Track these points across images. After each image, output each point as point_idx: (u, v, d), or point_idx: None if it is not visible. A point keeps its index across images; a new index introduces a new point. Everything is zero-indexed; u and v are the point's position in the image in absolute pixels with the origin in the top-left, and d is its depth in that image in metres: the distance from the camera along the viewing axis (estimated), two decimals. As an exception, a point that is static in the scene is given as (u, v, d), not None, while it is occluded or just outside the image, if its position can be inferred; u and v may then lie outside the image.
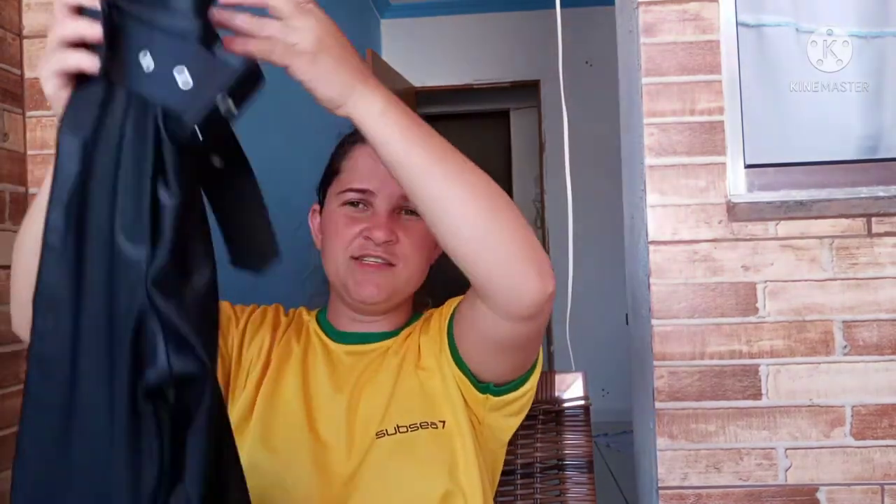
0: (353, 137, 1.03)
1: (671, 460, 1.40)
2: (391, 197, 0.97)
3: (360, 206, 0.99)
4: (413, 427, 0.92)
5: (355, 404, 0.95)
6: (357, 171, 1.00)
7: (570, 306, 1.56)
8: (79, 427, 0.51)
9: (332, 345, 1.02)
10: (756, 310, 1.40)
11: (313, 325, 1.05)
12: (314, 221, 1.07)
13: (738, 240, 1.41)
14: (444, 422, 0.92)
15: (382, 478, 0.90)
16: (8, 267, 0.81)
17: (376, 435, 0.92)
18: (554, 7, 1.57)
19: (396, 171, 0.73)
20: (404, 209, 0.99)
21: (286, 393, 0.96)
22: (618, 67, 1.65)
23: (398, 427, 0.92)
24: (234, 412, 0.94)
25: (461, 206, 0.74)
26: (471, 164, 0.76)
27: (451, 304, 0.99)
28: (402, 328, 1.04)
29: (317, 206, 1.07)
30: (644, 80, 1.42)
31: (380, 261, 0.97)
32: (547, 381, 1.13)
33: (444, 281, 1.05)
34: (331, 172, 1.04)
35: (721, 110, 1.41)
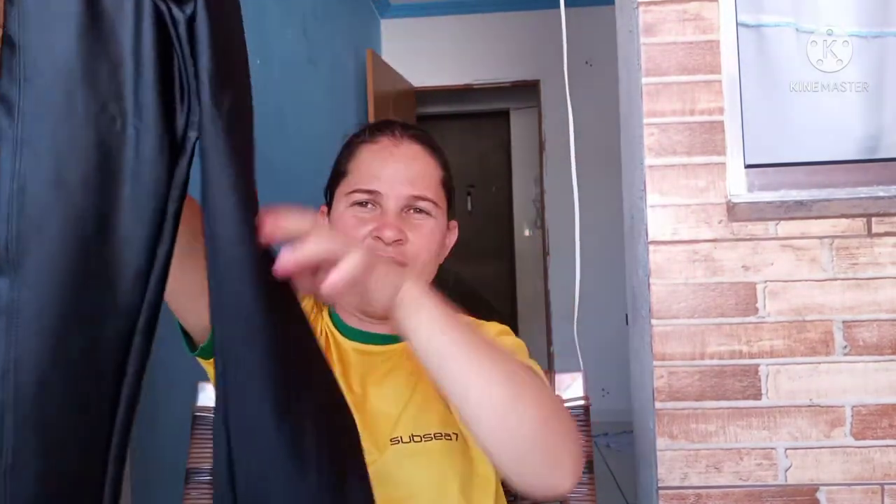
0: (359, 138, 1.03)
1: (671, 460, 1.40)
2: (400, 196, 0.97)
3: (369, 206, 0.98)
4: (427, 437, 0.91)
5: (363, 404, 0.95)
6: (365, 172, 0.99)
7: (577, 307, 1.56)
8: None
9: (340, 339, 1.02)
10: (756, 310, 1.40)
11: (326, 318, 1.05)
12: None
13: (738, 240, 1.41)
14: (457, 434, 0.92)
15: (393, 485, 0.89)
16: None
17: (390, 441, 0.91)
18: (554, 7, 1.57)
19: (424, 359, 0.70)
20: (413, 208, 0.98)
21: None
22: (618, 67, 1.65)
23: (413, 436, 0.91)
24: None
25: (480, 395, 0.70)
26: (502, 356, 0.73)
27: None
28: None
29: (324, 208, 1.06)
30: (644, 80, 1.42)
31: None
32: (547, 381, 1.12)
33: (454, 283, 1.04)
34: (338, 173, 1.03)
35: (721, 110, 1.41)
